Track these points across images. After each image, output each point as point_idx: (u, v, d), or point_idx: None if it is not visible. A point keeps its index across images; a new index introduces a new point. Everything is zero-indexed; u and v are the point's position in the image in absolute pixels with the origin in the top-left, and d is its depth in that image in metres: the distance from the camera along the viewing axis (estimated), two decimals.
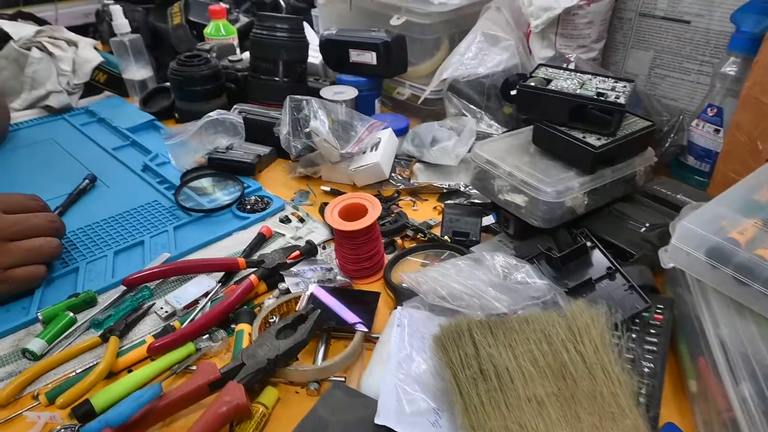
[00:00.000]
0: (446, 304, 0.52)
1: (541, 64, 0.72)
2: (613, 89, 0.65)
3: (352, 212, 0.64)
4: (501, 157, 0.68)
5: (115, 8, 1.06)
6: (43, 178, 0.86)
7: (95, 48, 1.16)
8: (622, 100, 0.62)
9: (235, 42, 1.19)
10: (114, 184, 0.85)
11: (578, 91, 0.65)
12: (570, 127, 0.65)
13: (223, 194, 0.81)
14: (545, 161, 0.67)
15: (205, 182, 0.84)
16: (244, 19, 1.30)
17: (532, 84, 0.66)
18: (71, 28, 1.54)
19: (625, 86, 0.66)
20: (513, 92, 0.81)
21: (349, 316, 0.57)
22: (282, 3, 1.37)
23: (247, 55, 1.22)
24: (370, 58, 0.95)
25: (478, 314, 0.49)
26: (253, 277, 0.61)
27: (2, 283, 0.60)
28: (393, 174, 0.85)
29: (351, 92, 0.94)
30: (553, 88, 0.66)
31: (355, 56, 0.96)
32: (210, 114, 0.83)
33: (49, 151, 0.95)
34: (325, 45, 1.00)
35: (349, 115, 0.87)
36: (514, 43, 0.84)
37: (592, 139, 0.63)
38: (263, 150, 0.90)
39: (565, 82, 0.67)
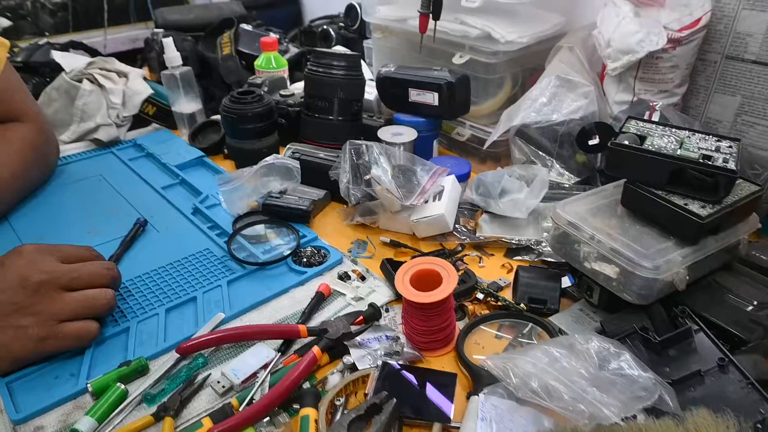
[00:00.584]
0: (543, 402, 0.46)
1: (630, 117, 0.66)
2: (717, 149, 0.59)
3: (425, 279, 0.59)
4: (585, 218, 0.62)
5: (167, 41, 1.03)
6: (92, 217, 0.83)
7: (144, 78, 1.14)
8: (732, 166, 0.56)
9: (286, 74, 1.15)
10: (164, 229, 0.81)
11: (678, 152, 0.58)
12: (668, 191, 0.59)
13: (277, 244, 0.77)
14: (637, 227, 0.60)
15: (258, 229, 0.79)
16: (293, 50, 1.28)
17: (626, 142, 0.60)
18: (119, 54, 1.55)
19: (730, 146, 0.60)
20: (591, 142, 0.74)
21: (426, 404, 0.51)
22: (332, 33, 1.34)
23: (297, 86, 1.19)
24: (431, 98, 0.90)
25: (585, 423, 0.43)
26: (316, 349, 0.56)
27: (51, 339, 0.56)
28: (457, 225, 0.80)
29: (410, 134, 0.90)
30: (650, 147, 0.59)
31: (415, 96, 0.92)
32: (266, 159, 0.79)
33: (98, 188, 0.92)
34: (383, 83, 0.95)
35: (409, 160, 0.82)
36: (593, 89, 0.78)
37: (695, 207, 0.56)
38: (318, 194, 0.85)
39: (661, 140, 0.61)
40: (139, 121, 1.11)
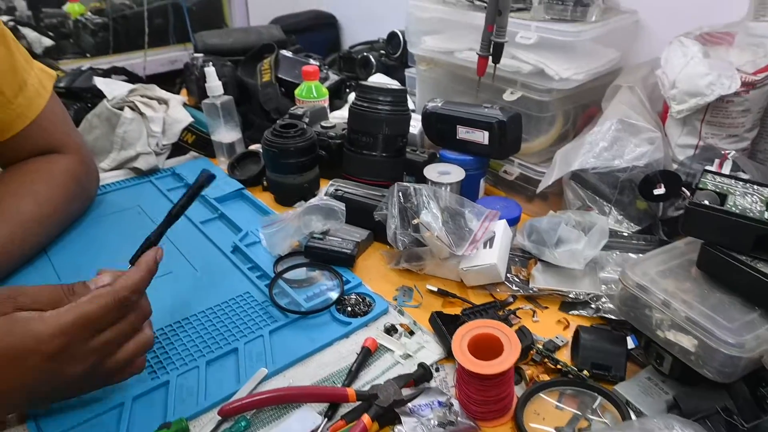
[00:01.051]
0: None
1: (706, 170, 0.61)
2: None
3: (483, 345, 0.55)
4: (655, 280, 0.58)
5: (209, 71, 1.02)
6: (131, 251, 0.81)
7: (184, 104, 1.13)
8: None
9: (326, 103, 1.13)
10: (203, 268, 0.78)
11: (767, 215, 0.53)
12: (754, 257, 0.54)
13: (320, 289, 0.74)
14: (717, 294, 0.55)
15: (300, 273, 0.76)
16: (333, 77, 1.25)
17: (706, 202, 0.55)
18: (158, 75, 1.55)
19: None
20: (657, 192, 0.70)
21: None
22: (372, 60, 1.31)
23: (336, 115, 1.17)
24: (481, 137, 0.86)
25: None
26: (366, 418, 0.53)
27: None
28: (508, 274, 0.75)
29: (458, 173, 0.86)
30: (733, 208, 0.55)
31: (464, 133, 0.88)
32: (311, 200, 0.76)
33: (136, 220, 0.90)
34: (429, 118, 0.92)
35: (457, 201, 0.79)
36: (659, 135, 0.74)
37: None
38: (361, 234, 0.82)
39: (744, 199, 0.56)
40: (177, 149, 1.09)
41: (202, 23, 1.68)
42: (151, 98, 1.08)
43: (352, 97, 1.26)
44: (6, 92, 0.77)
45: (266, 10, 1.72)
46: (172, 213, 0.63)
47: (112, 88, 1.07)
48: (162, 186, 1.01)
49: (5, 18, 1.84)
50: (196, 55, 1.32)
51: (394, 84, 1.24)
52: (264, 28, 1.47)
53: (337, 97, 1.25)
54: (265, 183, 1.00)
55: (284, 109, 1.19)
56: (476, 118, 0.86)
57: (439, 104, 0.92)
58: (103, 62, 1.51)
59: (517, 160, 0.93)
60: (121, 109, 1.03)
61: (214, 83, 1.03)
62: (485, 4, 0.90)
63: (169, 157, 1.09)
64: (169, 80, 1.59)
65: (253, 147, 1.09)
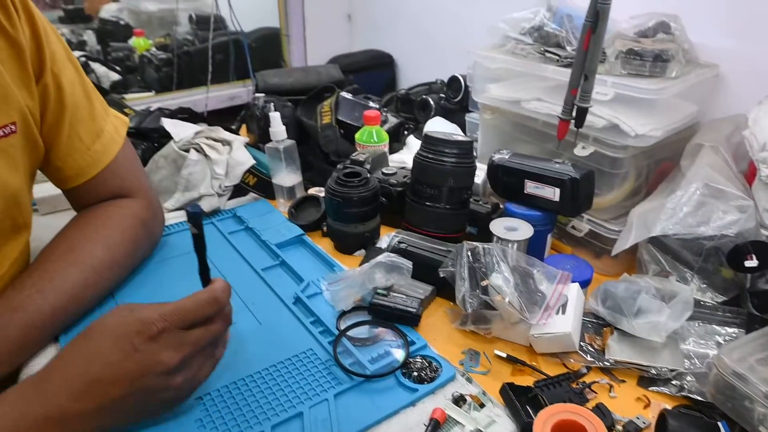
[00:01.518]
0: None
1: None
2: None
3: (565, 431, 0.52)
4: (755, 369, 0.53)
5: (274, 115, 1.03)
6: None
7: (246, 144, 1.15)
8: None
9: (386, 148, 1.13)
10: (265, 320, 0.78)
11: None
12: None
13: (384, 350, 0.71)
14: None
15: (363, 330, 0.75)
16: (392, 120, 1.25)
17: None
18: (217, 111, 1.59)
19: None
20: (748, 264, 0.65)
21: None
22: (431, 103, 1.31)
23: (395, 159, 1.16)
24: (551, 193, 0.83)
25: None
26: None
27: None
28: (581, 343, 0.72)
29: (526, 230, 0.83)
30: None
31: (532, 188, 0.86)
32: (378, 258, 0.75)
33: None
34: (496, 170, 0.90)
35: (526, 260, 0.76)
36: (751, 204, 0.69)
37: None
38: (425, 290, 0.80)
39: None
40: (238, 190, 1.11)
41: (261, 60, 1.72)
42: (215, 140, 1.10)
43: (410, 140, 1.26)
44: (84, 139, 0.79)
45: (323, 49, 1.75)
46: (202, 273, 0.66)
47: (179, 130, 1.09)
48: (223, 228, 1.01)
49: (78, 53, 1.94)
50: (257, 95, 1.35)
51: (453, 128, 1.23)
52: (323, 68, 1.49)
53: (395, 139, 1.24)
54: (324, 229, 1.00)
55: (343, 152, 1.19)
56: (547, 173, 0.83)
57: (506, 156, 0.90)
58: (167, 98, 1.56)
59: (586, 215, 0.89)
60: (187, 150, 1.05)
61: (278, 128, 1.04)
62: (557, 57, 0.88)
63: (230, 198, 1.10)
64: (228, 115, 1.63)
65: (313, 191, 1.09)
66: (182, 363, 0.57)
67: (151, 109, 1.26)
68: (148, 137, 1.16)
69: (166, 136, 1.11)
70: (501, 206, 0.96)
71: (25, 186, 0.73)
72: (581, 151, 0.86)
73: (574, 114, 0.80)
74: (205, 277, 0.65)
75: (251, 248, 0.96)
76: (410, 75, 1.67)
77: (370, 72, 1.63)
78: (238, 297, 0.82)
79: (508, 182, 0.89)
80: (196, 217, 0.61)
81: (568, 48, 0.89)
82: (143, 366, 0.55)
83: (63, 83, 0.74)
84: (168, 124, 1.12)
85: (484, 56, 0.98)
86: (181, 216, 1.06)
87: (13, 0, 0.68)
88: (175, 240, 0.98)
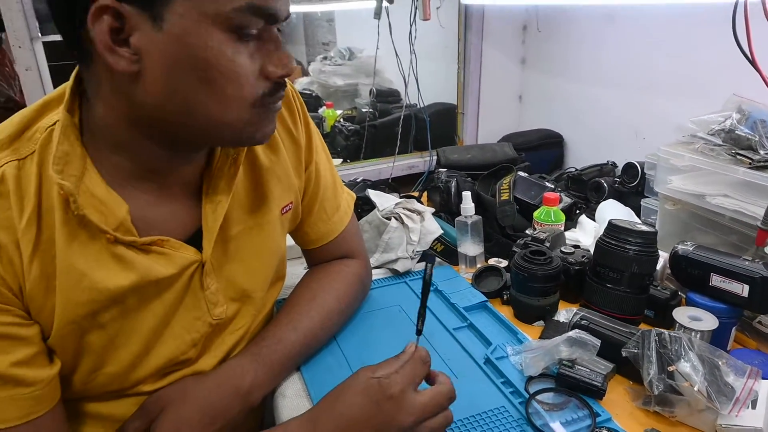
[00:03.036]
0: None
1: None
2: None
3: None
4: None
5: (466, 194, 1.20)
6: (398, 345, 0.97)
7: (435, 215, 1.32)
8: None
9: (562, 227, 1.23)
10: (461, 375, 0.91)
11: None
12: None
13: (571, 417, 0.80)
14: None
15: (551, 397, 0.84)
16: (566, 200, 1.35)
17: None
18: (399, 178, 1.81)
19: None
20: None
21: None
22: (605, 185, 1.39)
23: (570, 236, 1.25)
24: (739, 288, 0.87)
25: None
26: None
27: None
28: None
29: (710, 321, 0.88)
30: None
31: (718, 282, 0.90)
32: (569, 333, 0.85)
33: (398, 318, 1.07)
34: (679, 261, 0.96)
35: (710, 351, 0.80)
36: None
37: None
38: (606, 366, 0.87)
39: None
40: (424, 255, 1.27)
41: (436, 134, 1.92)
42: (411, 210, 1.28)
43: (583, 219, 1.34)
44: (328, 211, 1.01)
45: (494, 126, 1.91)
46: (421, 312, 0.78)
47: (382, 200, 1.30)
48: (415, 287, 1.18)
49: None
50: (440, 169, 1.54)
51: (628, 212, 1.30)
52: (498, 146, 1.65)
53: (567, 218, 1.34)
54: (505, 297, 1.12)
55: (519, 227, 1.31)
56: (735, 269, 0.88)
57: (690, 248, 0.96)
58: (357, 166, 1.82)
59: None
60: (389, 219, 1.25)
61: (468, 205, 1.20)
62: (750, 160, 0.94)
63: (420, 261, 1.27)
64: (407, 182, 1.85)
65: (492, 261, 1.22)
66: (416, 422, 0.69)
67: (357, 179, 1.49)
68: (355, 204, 1.39)
69: (370, 204, 1.33)
70: (680, 294, 1.01)
71: (286, 248, 0.96)
72: None
73: None
74: (422, 312, 0.78)
75: (442, 309, 1.10)
76: (578, 154, 1.76)
77: (539, 150, 1.75)
78: (435, 352, 0.96)
79: (692, 273, 0.95)
80: (431, 263, 0.76)
81: (761, 152, 0.94)
82: (385, 420, 0.68)
83: (320, 170, 0.97)
84: (372, 194, 1.34)
85: (672, 153, 1.06)
86: (380, 273, 1.25)
87: (299, 110, 0.92)
88: (376, 294, 1.17)
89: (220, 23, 0.60)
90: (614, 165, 1.50)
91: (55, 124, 0.67)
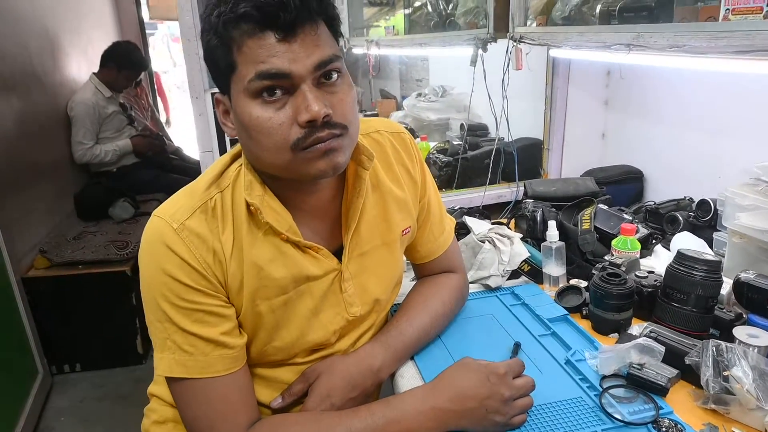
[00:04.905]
0: None
1: None
2: None
3: None
4: None
5: (551, 223, 1.40)
6: (491, 346, 1.19)
7: (522, 239, 1.53)
8: None
9: (637, 255, 1.40)
10: (545, 371, 1.11)
11: None
12: None
13: (638, 408, 0.98)
14: None
15: (620, 391, 1.03)
16: (642, 231, 1.51)
17: None
18: (489, 206, 2.03)
19: None
20: None
21: None
22: (680, 219, 1.54)
23: (645, 263, 1.41)
24: None
25: None
26: None
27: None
28: None
29: (766, 339, 1.03)
30: None
31: None
32: (638, 340, 1.03)
33: (491, 325, 1.29)
34: (741, 287, 1.11)
35: (760, 361, 0.96)
36: None
37: None
38: (671, 372, 1.04)
39: None
40: (515, 273, 1.48)
41: (524, 166, 2.13)
42: (502, 235, 1.50)
43: (658, 248, 1.50)
44: (434, 233, 1.24)
45: (578, 161, 2.09)
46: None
47: (477, 225, 1.53)
48: (505, 301, 1.39)
49: None
50: (527, 200, 1.74)
51: (701, 244, 1.44)
52: (580, 180, 1.83)
53: (644, 247, 1.50)
54: (584, 312, 1.30)
55: (598, 253, 1.49)
56: None
57: (752, 276, 1.11)
58: (451, 194, 2.06)
59: None
60: (483, 241, 1.48)
61: (553, 232, 1.40)
62: None
63: (509, 279, 1.48)
64: (496, 210, 2.06)
65: (573, 281, 1.41)
66: (511, 398, 0.92)
67: (455, 208, 1.73)
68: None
69: (465, 228, 1.56)
70: (744, 316, 1.15)
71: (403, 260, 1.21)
72: None
73: None
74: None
75: (528, 319, 1.31)
76: (657, 189, 1.90)
77: (620, 184, 1.91)
78: (523, 352, 1.17)
79: (752, 298, 1.09)
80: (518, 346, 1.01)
81: None
82: (491, 391, 0.92)
83: (431, 201, 1.22)
84: (468, 220, 1.57)
85: (737, 193, 1.21)
86: (474, 288, 1.46)
87: (415, 153, 1.17)
88: (471, 305, 1.38)
89: (248, 93, 0.82)
90: (690, 200, 1.64)
91: (240, 166, 0.96)
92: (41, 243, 3.00)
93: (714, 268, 1.11)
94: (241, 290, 0.94)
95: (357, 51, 3.44)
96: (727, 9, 0.96)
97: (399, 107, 3.61)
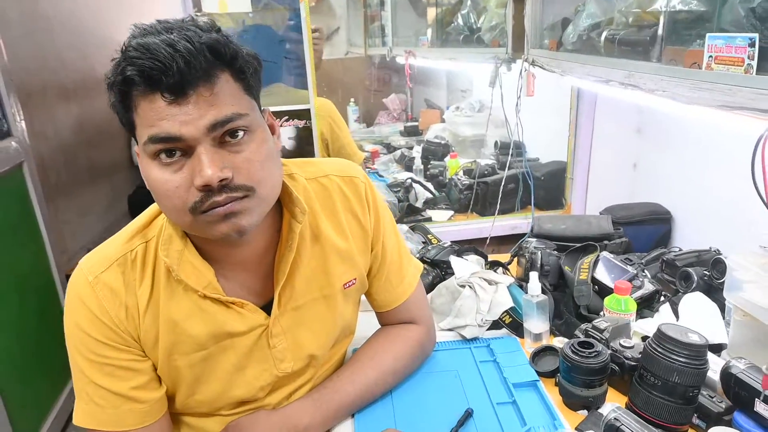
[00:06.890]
0: None
1: None
2: None
3: None
4: None
5: (533, 274, 1.27)
6: (440, 412, 1.09)
7: (510, 285, 1.40)
8: None
9: (632, 318, 1.23)
10: None
11: None
12: None
13: None
14: None
15: None
16: (648, 287, 1.34)
17: None
18: (500, 237, 1.90)
19: None
20: None
21: None
22: (694, 276, 1.34)
23: (641, 325, 1.25)
24: None
25: None
26: None
27: None
28: None
29: None
30: None
31: (762, 409, 0.88)
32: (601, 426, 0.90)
33: (450, 384, 1.18)
34: (728, 377, 0.95)
35: None
36: None
37: None
38: None
39: None
40: (495, 324, 1.36)
41: (544, 195, 1.97)
42: (488, 280, 1.39)
43: (664, 308, 1.32)
44: (393, 282, 1.16)
45: (604, 194, 1.90)
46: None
47: (461, 268, 1.42)
48: (477, 356, 1.28)
49: (405, 175, 2.53)
50: (530, 239, 1.60)
51: (712, 308, 1.25)
52: (594, 219, 1.66)
53: (647, 306, 1.32)
54: (557, 380, 1.17)
55: (594, 308, 1.34)
56: None
57: (743, 367, 0.94)
58: (462, 223, 1.94)
59: None
60: (463, 287, 1.37)
61: (534, 284, 1.27)
62: None
63: (491, 329, 1.36)
64: (509, 242, 1.93)
65: (556, 341, 1.27)
66: None
67: (445, 244, 1.63)
68: (439, 267, 1.53)
69: (449, 270, 1.46)
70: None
71: (356, 312, 1.14)
72: None
73: None
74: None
75: (494, 381, 1.19)
76: (686, 234, 1.68)
77: (644, 225, 1.71)
78: (473, 422, 1.06)
79: (738, 393, 0.92)
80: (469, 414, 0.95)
81: None
82: None
83: (387, 249, 1.13)
84: (454, 261, 1.47)
85: (741, 264, 1.03)
86: (449, 336, 1.37)
87: (368, 199, 1.09)
88: (440, 356, 1.29)
89: (147, 154, 0.79)
90: (717, 252, 1.43)
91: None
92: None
93: (697, 354, 0.95)
94: (156, 345, 0.92)
95: (400, 60, 3.37)
96: (710, 56, 0.81)
97: (443, 118, 3.50)
